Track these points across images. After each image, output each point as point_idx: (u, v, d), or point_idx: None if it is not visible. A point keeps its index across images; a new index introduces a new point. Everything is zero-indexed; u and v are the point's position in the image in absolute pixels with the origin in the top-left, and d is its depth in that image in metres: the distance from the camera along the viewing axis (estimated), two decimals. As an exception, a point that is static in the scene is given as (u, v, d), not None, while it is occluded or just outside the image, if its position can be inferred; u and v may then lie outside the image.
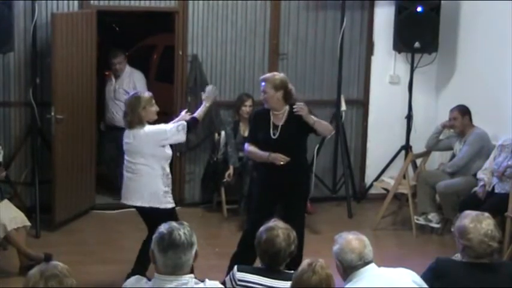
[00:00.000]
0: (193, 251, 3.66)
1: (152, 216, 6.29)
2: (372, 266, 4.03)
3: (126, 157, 6.44)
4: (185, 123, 6.37)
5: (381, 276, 4.00)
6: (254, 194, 6.93)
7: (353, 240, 4.04)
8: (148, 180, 6.32)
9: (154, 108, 6.37)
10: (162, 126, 6.37)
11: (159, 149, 6.31)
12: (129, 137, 6.33)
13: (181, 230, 3.67)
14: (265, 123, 6.47)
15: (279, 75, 6.49)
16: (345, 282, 4.04)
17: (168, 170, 6.41)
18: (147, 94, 6.42)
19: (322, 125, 6.48)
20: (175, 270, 3.64)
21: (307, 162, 6.80)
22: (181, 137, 6.39)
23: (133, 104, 6.28)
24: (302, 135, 6.50)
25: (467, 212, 4.39)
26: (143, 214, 6.49)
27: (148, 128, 6.29)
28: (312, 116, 6.39)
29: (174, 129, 6.32)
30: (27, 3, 8.12)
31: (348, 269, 4.01)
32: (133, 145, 6.32)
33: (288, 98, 6.43)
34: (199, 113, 6.63)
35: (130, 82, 8.88)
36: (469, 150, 8.14)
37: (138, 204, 6.41)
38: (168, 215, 6.14)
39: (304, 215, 6.73)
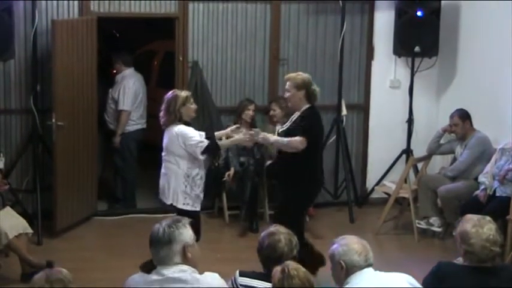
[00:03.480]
0: (175, 248, 3.84)
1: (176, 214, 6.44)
2: (370, 269, 4.05)
3: (162, 154, 6.56)
4: (205, 145, 6.38)
5: (377, 280, 4.02)
6: None
7: (357, 243, 4.08)
8: (173, 178, 6.45)
9: (194, 106, 6.54)
10: (191, 133, 6.40)
11: (184, 150, 6.41)
12: (165, 135, 6.46)
13: (162, 226, 3.89)
14: (287, 120, 6.74)
15: (302, 75, 6.59)
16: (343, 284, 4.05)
17: (195, 172, 6.46)
18: (184, 92, 6.53)
19: (282, 144, 6.48)
20: (161, 263, 3.87)
21: (299, 168, 6.51)
22: (197, 153, 6.39)
23: (170, 102, 6.38)
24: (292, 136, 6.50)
25: (469, 216, 4.39)
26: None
27: (180, 127, 6.37)
28: (272, 138, 6.51)
29: (194, 143, 6.36)
30: (28, 10, 8.13)
31: (351, 270, 4.02)
32: (166, 142, 6.43)
33: (311, 99, 6.51)
34: (226, 142, 6.81)
35: (117, 89, 8.91)
36: (470, 154, 8.14)
37: (163, 199, 6.57)
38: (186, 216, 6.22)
39: (288, 220, 6.43)
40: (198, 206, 6.56)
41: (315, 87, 6.58)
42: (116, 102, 8.86)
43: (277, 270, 3.85)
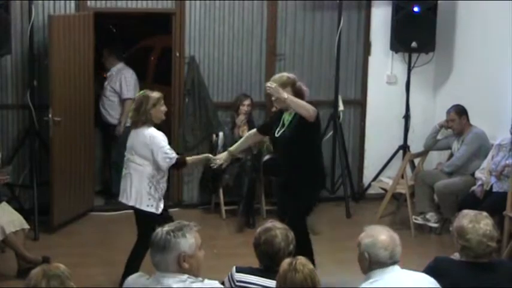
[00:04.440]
0: (169, 256, 3.73)
1: (136, 216, 6.40)
2: (396, 267, 3.98)
3: (125, 154, 6.45)
4: (175, 159, 6.25)
5: (399, 280, 3.95)
6: None
7: (386, 237, 3.99)
8: (136, 179, 6.31)
9: (164, 108, 6.37)
10: (162, 142, 6.25)
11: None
12: (132, 136, 6.35)
13: (162, 231, 3.78)
14: (278, 121, 6.52)
15: (286, 74, 6.51)
16: (365, 276, 4.00)
17: (159, 176, 6.32)
18: (155, 93, 6.35)
19: (295, 102, 6.21)
20: (157, 268, 3.78)
21: (310, 165, 6.50)
22: (163, 166, 6.25)
23: (141, 102, 6.25)
24: (300, 135, 6.37)
25: (466, 211, 4.39)
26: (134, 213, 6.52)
27: (152, 131, 6.25)
28: (288, 95, 6.20)
29: (164, 156, 6.21)
30: (24, 5, 8.12)
31: (375, 264, 3.96)
32: (134, 143, 6.31)
33: (299, 96, 6.37)
34: (192, 159, 6.67)
35: (117, 80, 8.94)
36: (467, 150, 8.15)
37: (124, 201, 6.42)
38: (148, 218, 6.18)
39: (296, 216, 6.42)
40: (160, 209, 6.38)
41: (302, 84, 6.46)
42: (117, 94, 8.90)
43: (285, 261, 3.86)
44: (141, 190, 6.29)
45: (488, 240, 4.21)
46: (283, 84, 6.35)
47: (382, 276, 3.94)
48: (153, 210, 6.30)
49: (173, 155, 6.27)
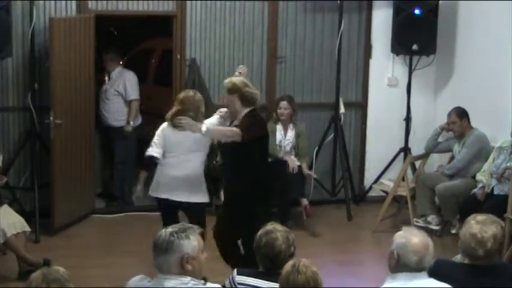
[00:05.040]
0: (172, 258, 3.72)
1: (190, 214, 6.56)
2: (423, 274, 3.94)
3: (170, 155, 6.52)
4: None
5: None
6: None
7: (419, 242, 3.94)
8: (193, 174, 6.50)
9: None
10: (209, 120, 6.51)
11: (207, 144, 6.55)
12: (176, 136, 6.42)
13: (165, 233, 3.78)
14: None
15: (234, 79, 6.42)
16: (390, 274, 3.97)
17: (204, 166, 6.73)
18: (199, 94, 6.60)
19: (217, 132, 6.17)
20: (159, 269, 3.77)
21: (251, 174, 6.23)
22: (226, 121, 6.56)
23: (200, 104, 6.45)
24: (241, 145, 6.09)
25: (487, 214, 4.39)
26: (184, 209, 6.65)
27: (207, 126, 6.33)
28: (207, 128, 6.06)
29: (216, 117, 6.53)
30: (26, 8, 8.12)
31: (402, 267, 3.92)
32: (179, 141, 6.43)
33: (247, 102, 6.22)
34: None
35: (121, 82, 8.93)
36: (468, 152, 8.14)
37: (185, 199, 6.51)
38: (203, 209, 6.51)
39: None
40: None
41: (252, 90, 6.26)
42: (121, 95, 8.90)
43: (288, 263, 3.88)
44: (201, 184, 6.56)
45: (476, 243, 4.18)
46: (230, 91, 6.24)
47: (410, 281, 3.89)
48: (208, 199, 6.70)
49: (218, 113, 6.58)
